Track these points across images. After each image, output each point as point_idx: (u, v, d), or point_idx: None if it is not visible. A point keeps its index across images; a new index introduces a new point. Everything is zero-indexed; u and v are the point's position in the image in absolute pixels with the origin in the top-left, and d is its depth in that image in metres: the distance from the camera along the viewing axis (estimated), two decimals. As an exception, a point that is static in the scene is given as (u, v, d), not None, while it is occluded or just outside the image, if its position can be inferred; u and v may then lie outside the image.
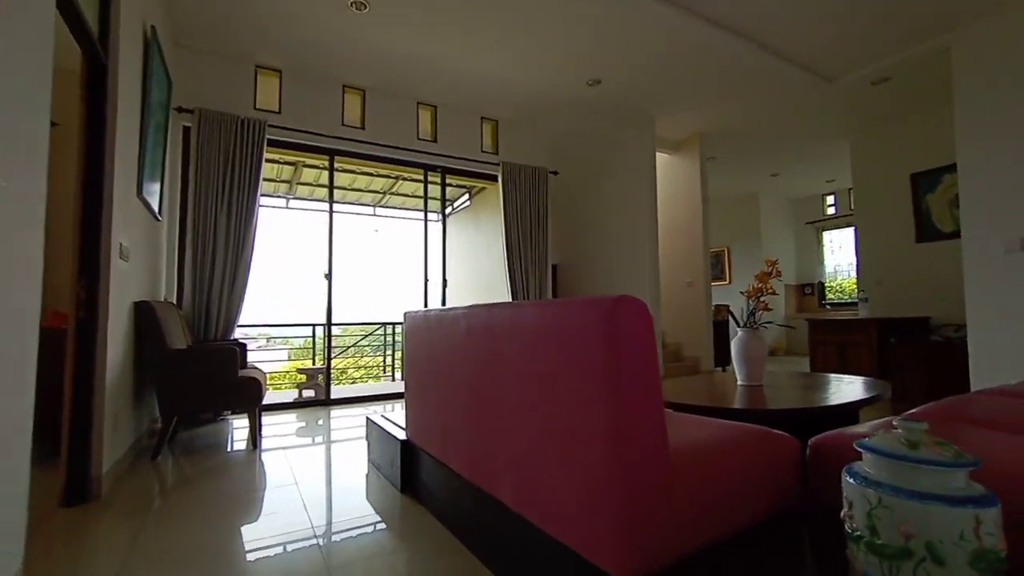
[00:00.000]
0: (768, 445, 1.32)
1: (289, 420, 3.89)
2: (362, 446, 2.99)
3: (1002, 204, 2.93)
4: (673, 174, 5.91)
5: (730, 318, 3.08)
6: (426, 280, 5.04)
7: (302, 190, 6.72)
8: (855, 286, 8.25)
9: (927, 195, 5.15)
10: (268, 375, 4.10)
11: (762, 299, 2.45)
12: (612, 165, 5.73)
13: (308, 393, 4.68)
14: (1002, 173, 2.96)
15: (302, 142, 4.32)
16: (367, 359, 8.78)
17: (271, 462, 2.70)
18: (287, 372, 9.71)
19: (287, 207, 7.03)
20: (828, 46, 3.77)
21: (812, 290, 8.46)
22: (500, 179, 5.13)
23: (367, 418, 2.74)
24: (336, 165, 4.69)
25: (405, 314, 2.29)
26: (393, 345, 7.50)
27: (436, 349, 1.95)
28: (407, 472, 2.20)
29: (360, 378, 8.04)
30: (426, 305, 5.10)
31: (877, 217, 5.52)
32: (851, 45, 3.77)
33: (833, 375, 2.71)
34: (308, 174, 6.17)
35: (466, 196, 7.09)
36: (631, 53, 3.86)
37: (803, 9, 3.28)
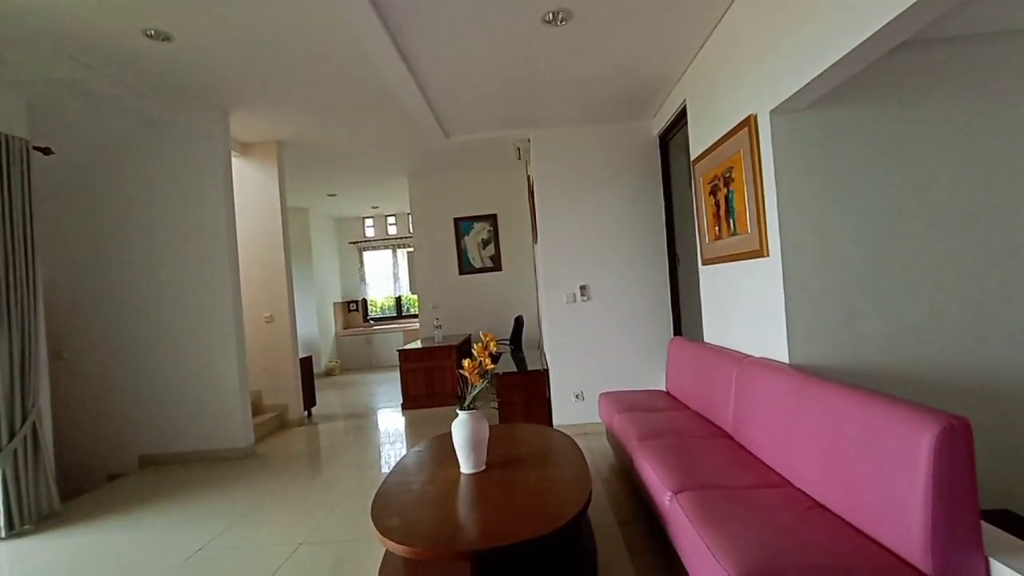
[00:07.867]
0: None
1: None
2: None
3: (565, 263, 4.00)
4: (241, 182, 4.72)
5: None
6: None
7: None
8: (392, 303, 9.34)
9: (464, 236, 6.39)
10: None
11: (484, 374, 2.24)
12: (162, 157, 3.97)
13: None
14: (567, 241, 4.04)
15: None
16: None
17: None
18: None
19: None
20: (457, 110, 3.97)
21: (357, 307, 8.91)
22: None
23: None
24: None
25: None
26: None
27: None
28: None
29: None
30: None
31: (431, 249, 6.38)
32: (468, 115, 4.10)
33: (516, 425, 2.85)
34: None
35: None
36: (233, 3, 2.64)
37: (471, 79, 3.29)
